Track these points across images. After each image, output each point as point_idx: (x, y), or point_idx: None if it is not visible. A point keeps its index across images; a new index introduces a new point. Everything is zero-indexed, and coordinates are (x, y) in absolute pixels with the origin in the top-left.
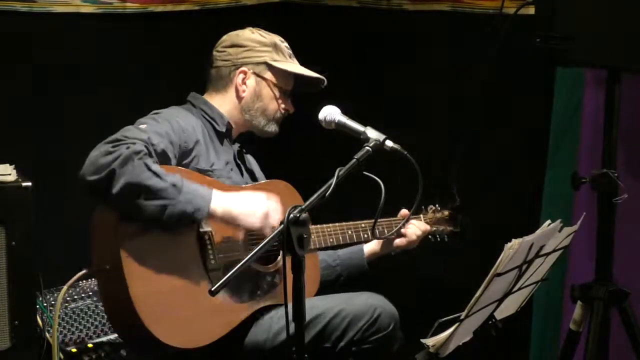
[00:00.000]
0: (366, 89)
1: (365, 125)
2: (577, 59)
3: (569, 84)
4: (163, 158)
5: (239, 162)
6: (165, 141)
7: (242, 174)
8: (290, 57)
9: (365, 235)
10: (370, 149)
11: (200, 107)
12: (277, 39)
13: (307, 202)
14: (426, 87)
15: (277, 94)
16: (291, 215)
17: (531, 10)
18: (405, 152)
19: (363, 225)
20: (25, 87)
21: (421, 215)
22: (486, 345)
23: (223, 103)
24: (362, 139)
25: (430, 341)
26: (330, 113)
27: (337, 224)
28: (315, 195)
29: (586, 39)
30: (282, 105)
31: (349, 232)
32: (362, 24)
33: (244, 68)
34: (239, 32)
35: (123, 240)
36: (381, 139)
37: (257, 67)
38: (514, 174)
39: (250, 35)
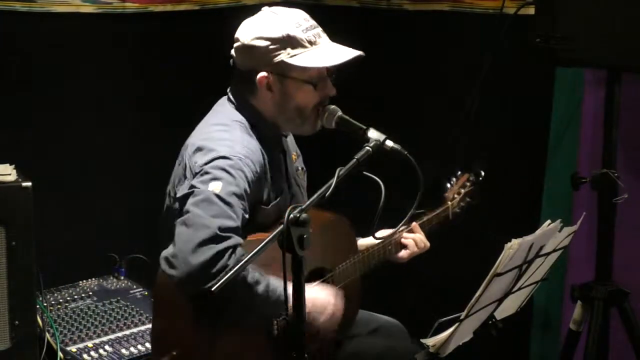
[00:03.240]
0: (366, 89)
1: (365, 125)
2: (577, 59)
3: (569, 84)
4: (244, 222)
5: (289, 170)
6: (244, 203)
7: (290, 186)
8: (312, 41)
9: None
10: (371, 149)
11: (249, 117)
12: (291, 25)
13: (307, 202)
14: (426, 87)
15: (309, 87)
16: (291, 216)
17: (531, 10)
18: (406, 152)
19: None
20: (25, 87)
21: (448, 203)
22: (486, 345)
23: (261, 110)
24: (363, 139)
25: (430, 341)
26: (330, 113)
27: (375, 245)
28: (315, 196)
29: (586, 39)
30: (320, 95)
31: (389, 248)
32: (362, 24)
33: (263, 73)
34: (250, 26)
35: (197, 327)
36: (381, 139)
37: (276, 68)
38: (514, 174)
39: (260, 31)
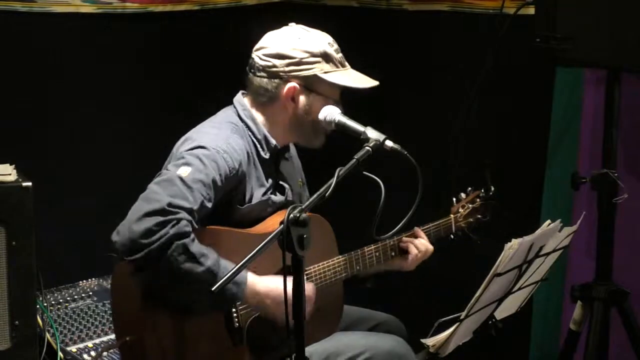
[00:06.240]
0: (365, 89)
1: (365, 125)
2: (577, 59)
3: (569, 84)
4: (205, 210)
5: (281, 181)
6: (210, 192)
7: (283, 193)
8: (340, 63)
9: (393, 254)
10: (370, 149)
11: (247, 123)
12: (326, 43)
13: (307, 202)
14: (426, 87)
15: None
16: (291, 215)
17: (531, 10)
18: (405, 152)
19: (391, 243)
20: (25, 87)
21: (451, 216)
22: (486, 345)
23: (269, 119)
24: (362, 139)
25: (430, 341)
26: (330, 113)
27: (359, 250)
28: (315, 196)
29: (586, 39)
30: None
31: (377, 254)
32: (362, 24)
33: (292, 84)
34: (284, 36)
35: (147, 314)
36: (381, 139)
37: (306, 81)
38: (514, 174)
39: (297, 43)
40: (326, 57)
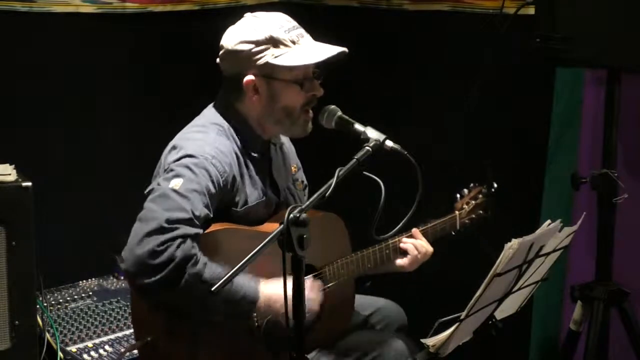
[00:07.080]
0: (366, 89)
1: (365, 125)
2: (577, 59)
3: (569, 84)
4: (206, 219)
5: (274, 177)
6: (205, 199)
7: (278, 192)
8: (295, 41)
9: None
10: (370, 149)
11: (232, 122)
12: (274, 27)
13: (307, 202)
14: (426, 87)
15: (296, 87)
16: (291, 216)
17: (531, 10)
18: (405, 152)
19: (396, 243)
20: (25, 87)
21: (456, 212)
22: (486, 345)
23: (247, 115)
24: (362, 139)
25: (430, 341)
26: (330, 113)
27: (370, 248)
28: (315, 196)
29: (586, 39)
30: (307, 95)
31: (387, 252)
32: (362, 24)
33: (249, 76)
34: (232, 32)
35: (167, 314)
36: (381, 139)
37: (261, 69)
38: (514, 174)
39: (243, 35)
40: (274, 42)
